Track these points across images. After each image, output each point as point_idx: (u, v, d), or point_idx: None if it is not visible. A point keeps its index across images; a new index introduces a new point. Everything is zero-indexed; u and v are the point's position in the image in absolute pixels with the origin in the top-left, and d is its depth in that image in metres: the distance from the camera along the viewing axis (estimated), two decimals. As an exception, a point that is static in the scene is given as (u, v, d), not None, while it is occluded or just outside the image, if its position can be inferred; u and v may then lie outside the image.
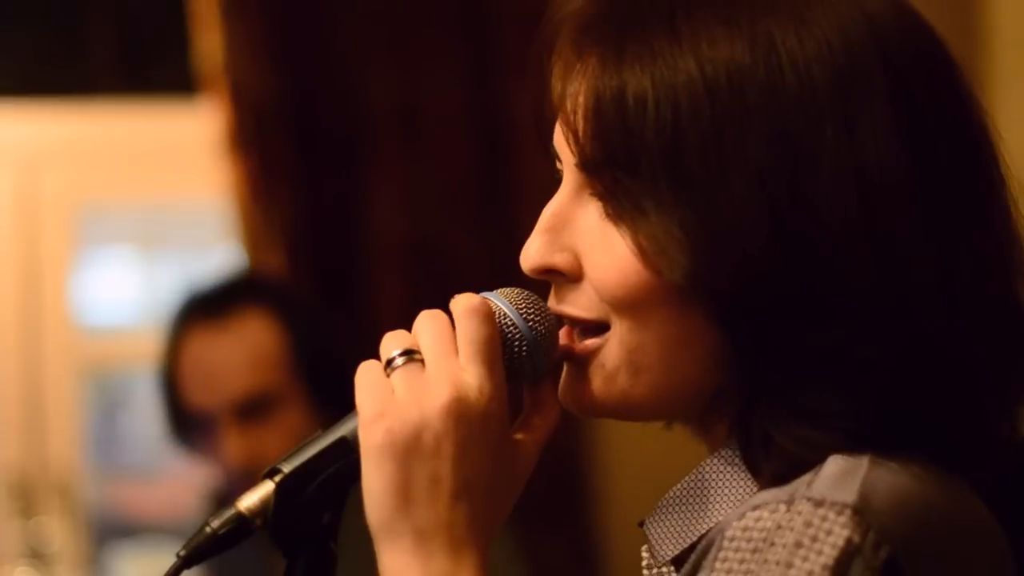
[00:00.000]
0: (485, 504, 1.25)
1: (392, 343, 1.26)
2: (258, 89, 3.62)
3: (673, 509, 1.28)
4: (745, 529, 1.15)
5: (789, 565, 1.13)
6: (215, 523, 1.26)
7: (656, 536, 1.28)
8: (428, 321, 1.27)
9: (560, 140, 1.27)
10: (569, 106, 1.24)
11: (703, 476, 1.27)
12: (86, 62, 4.19)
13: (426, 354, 1.25)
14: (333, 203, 3.68)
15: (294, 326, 2.95)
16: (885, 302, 1.19)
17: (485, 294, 1.31)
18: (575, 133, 1.24)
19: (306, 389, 2.91)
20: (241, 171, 3.62)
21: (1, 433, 4.02)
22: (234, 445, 2.86)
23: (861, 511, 1.14)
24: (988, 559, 1.22)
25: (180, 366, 2.95)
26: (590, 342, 1.27)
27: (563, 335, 1.30)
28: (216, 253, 4.02)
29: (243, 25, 3.62)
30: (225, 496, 2.83)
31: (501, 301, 1.31)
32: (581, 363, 1.28)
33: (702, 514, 1.26)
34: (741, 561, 1.14)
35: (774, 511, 1.15)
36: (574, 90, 1.24)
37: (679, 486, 1.28)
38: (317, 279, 3.65)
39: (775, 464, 1.21)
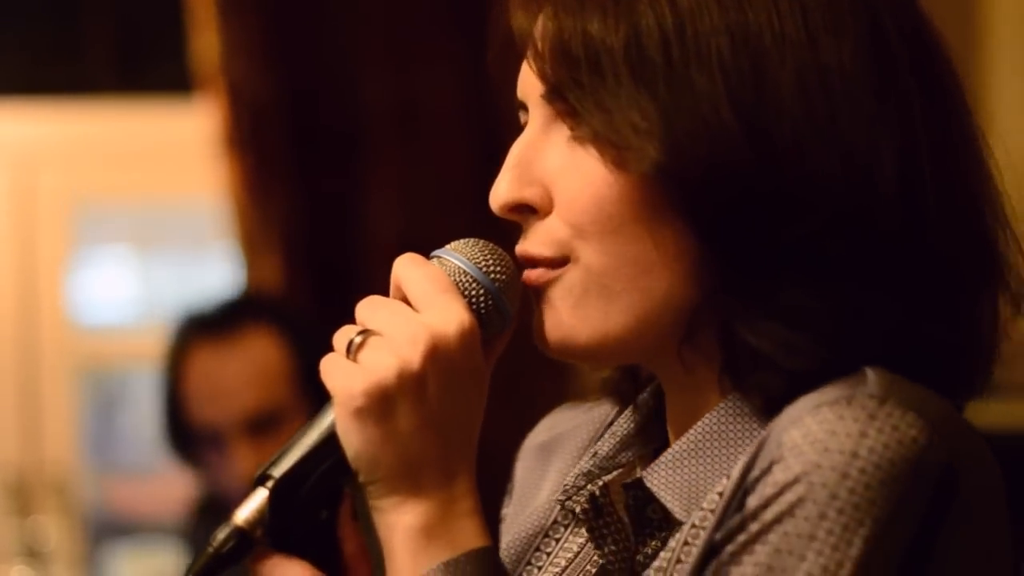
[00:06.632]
0: (468, 432, 1.24)
1: (343, 334, 1.24)
2: (254, 88, 3.62)
3: (682, 465, 1.25)
4: (806, 433, 1.14)
5: (855, 455, 1.12)
6: (216, 542, 1.23)
7: (666, 490, 1.25)
8: (370, 301, 1.26)
9: (526, 76, 1.28)
10: (535, 39, 1.26)
11: (710, 430, 1.24)
12: (83, 61, 4.19)
13: (381, 325, 1.23)
14: (330, 202, 3.67)
15: (297, 342, 3.00)
16: (852, 202, 1.20)
17: (437, 252, 1.29)
18: (541, 60, 1.25)
19: (312, 403, 2.95)
20: (237, 170, 3.62)
21: (-3, 432, 4.02)
22: (244, 460, 2.91)
23: (923, 412, 1.14)
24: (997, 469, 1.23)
25: (186, 383, 2.99)
26: (553, 272, 1.25)
27: (526, 274, 1.27)
28: (212, 252, 4.02)
29: (240, 24, 3.62)
30: (219, 506, 2.90)
31: (455, 257, 1.28)
32: (546, 296, 1.25)
33: (719, 467, 1.23)
34: (803, 462, 1.13)
35: (834, 404, 1.14)
36: (537, 27, 1.26)
37: (682, 441, 1.25)
38: (313, 277, 3.65)
39: (761, 378, 1.20)
